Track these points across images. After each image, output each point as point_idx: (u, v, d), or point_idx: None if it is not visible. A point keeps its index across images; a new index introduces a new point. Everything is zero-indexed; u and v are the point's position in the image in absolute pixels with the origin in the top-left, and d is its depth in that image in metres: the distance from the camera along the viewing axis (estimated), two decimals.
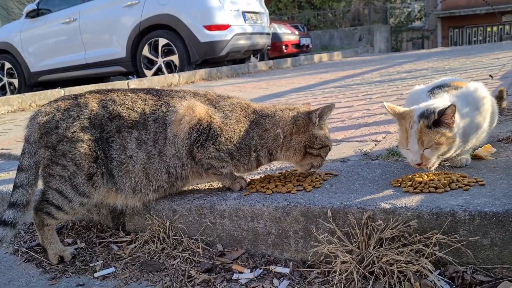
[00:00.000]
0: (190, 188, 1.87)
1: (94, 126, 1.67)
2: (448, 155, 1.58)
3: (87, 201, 1.68)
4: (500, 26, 22.97)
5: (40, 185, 1.73)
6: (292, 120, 1.72)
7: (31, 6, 9.01)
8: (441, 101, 1.62)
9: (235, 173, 1.78)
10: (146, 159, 1.67)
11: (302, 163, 1.75)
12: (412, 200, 1.42)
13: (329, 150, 1.77)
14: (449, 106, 1.48)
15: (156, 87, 6.71)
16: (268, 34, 9.23)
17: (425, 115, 1.53)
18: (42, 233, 1.72)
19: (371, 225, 1.40)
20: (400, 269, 1.31)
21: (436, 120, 1.50)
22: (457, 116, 1.56)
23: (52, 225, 1.72)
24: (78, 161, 1.64)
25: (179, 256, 1.64)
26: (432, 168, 1.56)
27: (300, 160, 1.74)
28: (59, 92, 6.13)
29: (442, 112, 1.49)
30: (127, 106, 1.70)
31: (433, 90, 1.75)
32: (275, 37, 11.14)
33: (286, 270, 1.50)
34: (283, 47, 11.81)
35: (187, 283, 1.50)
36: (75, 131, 1.65)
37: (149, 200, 1.74)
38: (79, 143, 1.64)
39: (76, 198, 1.66)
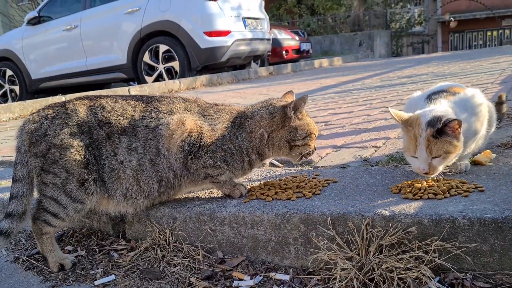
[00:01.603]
0: (190, 195, 1.88)
1: (83, 132, 1.67)
2: (451, 162, 1.59)
3: (81, 208, 1.68)
4: (500, 31, 23.01)
5: (36, 193, 1.73)
6: (269, 117, 1.73)
7: (32, 14, 9.06)
8: (441, 107, 1.63)
9: (234, 180, 1.78)
10: (137, 166, 1.67)
11: (292, 155, 1.77)
12: (412, 207, 1.42)
13: (315, 136, 1.78)
14: (455, 120, 1.47)
15: (157, 94, 6.73)
16: (268, 39, 9.25)
17: (431, 123, 1.52)
18: (41, 241, 1.72)
19: (370, 231, 1.40)
20: (399, 276, 1.31)
21: (440, 129, 1.49)
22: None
23: (50, 233, 1.72)
24: (69, 168, 1.64)
25: (179, 263, 1.64)
26: (434, 175, 1.56)
27: (289, 153, 1.77)
28: (60, 99, 6.15)
29: (447, 123, 1.48)
30: (116, 112, 1.70)
31: (431, 96, 1.75)
32: (276, 43, 11.17)
33: (286, 277, 1.50)
34: (284, 52, 11.85)
35: None
36: (64, 138, 1.64)
37: (140, 206, 1.75)
38: (69, 150, 1.64)
39: (70, 205, 1.66)
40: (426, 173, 1.53)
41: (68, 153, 1.63)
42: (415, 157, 1.55)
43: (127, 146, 1.67)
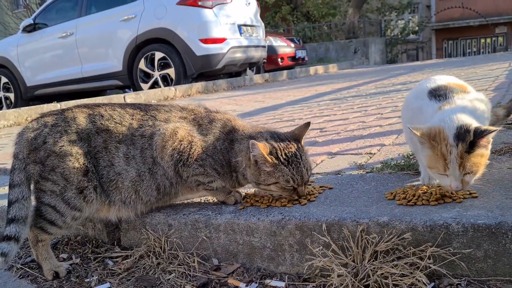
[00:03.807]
0: (185, 202, 1.88)
1: (82, 140, 1.67)
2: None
3: (79, 215, 1.68)
4: (494, 38, 23.23)
5: (33, 201, 1.72)
6: (247, 150, 1.63)
7: (28, 21, 9.07)
8: (458, 109, 1.50)
9: (229, 188, 1.78)
10: (136, 176, 1.68)
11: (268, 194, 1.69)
12: (406, 213, 1.43)
13: (288, 187, 1.61)
14: (489, 130, 1.38)
15: (153, 101, 6.74)
16: (263, 47, 9.29)
17: (461, 137, 1.39)
18: (36, 249, 1.71)
19: (365, 238, 1.41)
20: (394, 282, 1.31)
21: (472, 142, 1.39)
22: None
23: (46, 240, 1.72)
24: (68, 176, 1.64)
25: (175, 270, 1.63)
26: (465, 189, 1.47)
27: (264, 193, 1.69)
28: (55, 106, 6.14)
29: (481, 135, 1.38)
30: (114, 120, 1.71)
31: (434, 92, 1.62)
32: (271, 50, 11.21)
33: (281, 284, 1.50)
34: (279, 60, 11.89)
35: None
36: (63, 146, 1.65)
37: (140, 211, 1.75)
38: (68, 157, 1.64)
39: (68, 212, 1.66)
40: (459, 190, 1.44)
41: (67, 161, 1.63)
42: (445, 174, 1.43)
43: (124, 155, 1.68)
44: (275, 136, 1.67)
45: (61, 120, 1.70)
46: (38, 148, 1.66)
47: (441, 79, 1.69)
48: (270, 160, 1.59)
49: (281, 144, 1.63)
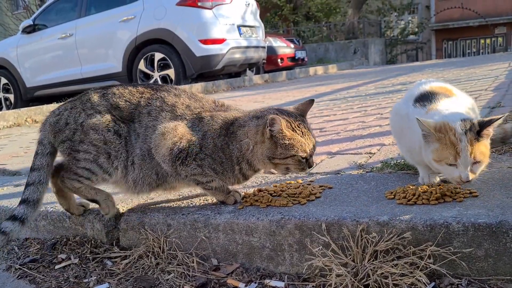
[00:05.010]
0: (184, 202, 1.87)
1: (100, 112, 1.75)
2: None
3: (108, 178, 1.77)
4: (493, 38, 23.24)
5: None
6: (255, 129, 1.64)
7: (27, 22, 9.06)
8: (459, 107, 1.56)
9: (229, 187, 1.77)
10: (140, 154, 1.73)
11: (278, 170, 1.69)
12: (406, 212, 1.42)
13: (302, 158, 1.62)
14: (495, 118, 1.43)
15: None
16: (263, 47, 9.29)
17: (467, 127, 1.44)
18: (79, 192, 1.81)
19: (365, 237, 1.40)
20: (394, 282, 1.30)
21: (479, 131, 1.44)
22: None
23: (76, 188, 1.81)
24: (96, 144, 1.72)
25: (174, 271, 1.62)
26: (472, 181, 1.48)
27: (275, 168, 1.68)
28: (54, 107, 6.13)
29: (488, 123, 1.43)
30: (125, 98, 1.76)
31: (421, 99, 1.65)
32: (271, 51, 11.19)
33: (281, 284, 1.49)
34: (279, 60, 11.88)
35: None
36: (84, 120, 1.74)
37: (141, 190, 1.80)
38: (93, 130, 1.72)
39: (100, 173, 1.76)
40: (468, 181, 1.45)
41: (92, 133, 1.73)
42: (453, 165, 1.44)
43: (134, 130, 1.74)
44: (282, 111, 1.68)
45: (79, 103, 1.79)
46: (62, 129, 1.75)
47: (427, 85, 1.72)
48: (288, 133, 1.60)
49: (291, 117, 1.65)
